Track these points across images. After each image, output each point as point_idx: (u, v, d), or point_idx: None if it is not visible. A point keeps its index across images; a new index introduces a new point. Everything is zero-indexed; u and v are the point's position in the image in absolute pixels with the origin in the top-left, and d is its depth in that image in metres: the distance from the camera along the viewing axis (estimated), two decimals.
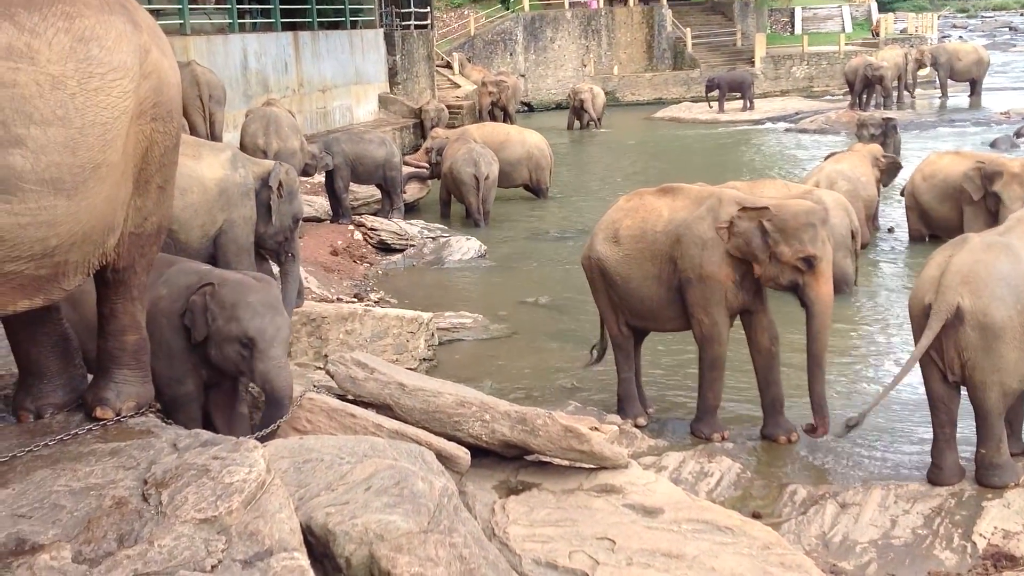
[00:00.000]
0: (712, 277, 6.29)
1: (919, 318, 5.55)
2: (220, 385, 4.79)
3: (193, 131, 11.90)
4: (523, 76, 31.43)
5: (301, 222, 7.33)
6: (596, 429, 4.95)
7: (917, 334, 5.61)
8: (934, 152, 13.13)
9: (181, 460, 3.25)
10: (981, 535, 5.06)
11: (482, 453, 4.96)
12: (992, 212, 10.30)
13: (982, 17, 74.60)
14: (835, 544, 5.12)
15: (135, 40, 3.39)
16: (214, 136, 12.17)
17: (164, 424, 3.80)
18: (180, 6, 15.50)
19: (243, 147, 10.35)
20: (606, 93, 27.97)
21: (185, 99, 11.88)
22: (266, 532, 3.02)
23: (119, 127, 3.30)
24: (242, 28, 18.04)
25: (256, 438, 3.88)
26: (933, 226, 11.61)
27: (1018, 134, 19.00)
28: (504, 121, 21.78)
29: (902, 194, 12.23)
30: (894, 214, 12.90)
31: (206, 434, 3.58)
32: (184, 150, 4.82)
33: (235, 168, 6.85)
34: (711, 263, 6.24)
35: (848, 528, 5.22)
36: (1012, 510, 5.22)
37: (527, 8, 33.57)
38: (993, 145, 19.08)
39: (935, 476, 5.62)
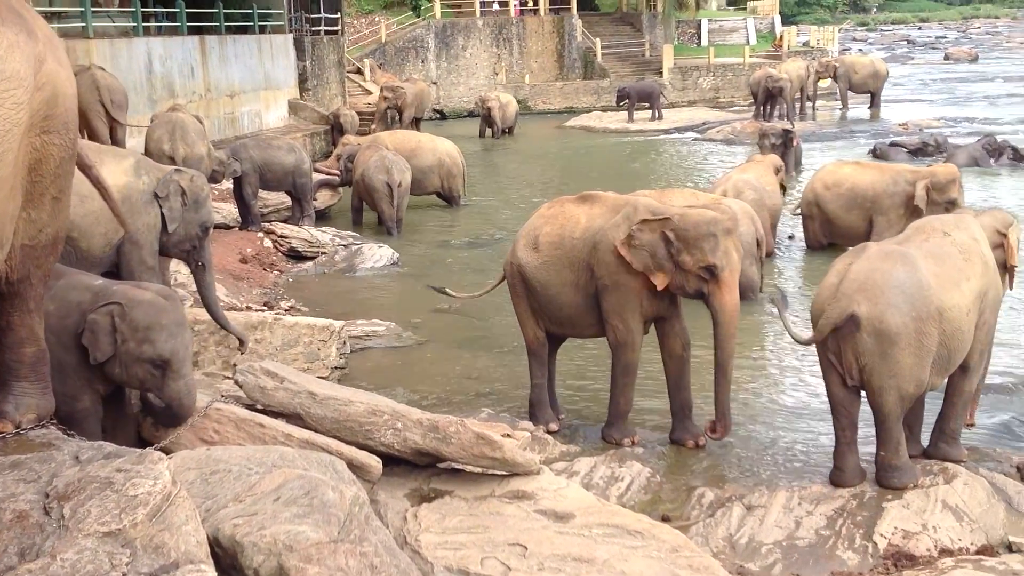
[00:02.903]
0: (627, 284, 6.35)
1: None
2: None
3: (94, 137, 11.61)
4: (435, 83, 31.36)
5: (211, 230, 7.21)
6: (508, 436, 4.98)
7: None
8: (832, 162, 13.47)
9: (84, 473, 3.18)
10: (882, 535, 5.19)
11: (394, 461, 4.95)
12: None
13: (881, 31, 76.93)
14: (741, 546, 5.22)
15: (29, 50, 3.25)
16: (116, 142, 11.87)
17: (66, 436, 3.72)
18: (83, 8, 15.13)
19: (148, 153, 10.13)
20: (518, 101, 28.06)
21: (86, 104, 11.68)
22: (172, 545, 2.97)
23: (9, 141, 3.16)
24: (147, 31, 17.68)
25: (159, 448, 3.82)
26: (836, 234, 11.95)
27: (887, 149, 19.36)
28: (396, 127, 21.62)
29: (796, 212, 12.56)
30: (792, 222, 13.17)
31: (109, 446, 3.51)
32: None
33: (138, 175, 6.73)
34: (626, 270, 6.31)
35: (754, 530, 5.32)
36: (911, 511, 5.37)
37: (439, 15, 33.54)
38: (873, 152, 19.55)
39: (837, 478, 5.76)
